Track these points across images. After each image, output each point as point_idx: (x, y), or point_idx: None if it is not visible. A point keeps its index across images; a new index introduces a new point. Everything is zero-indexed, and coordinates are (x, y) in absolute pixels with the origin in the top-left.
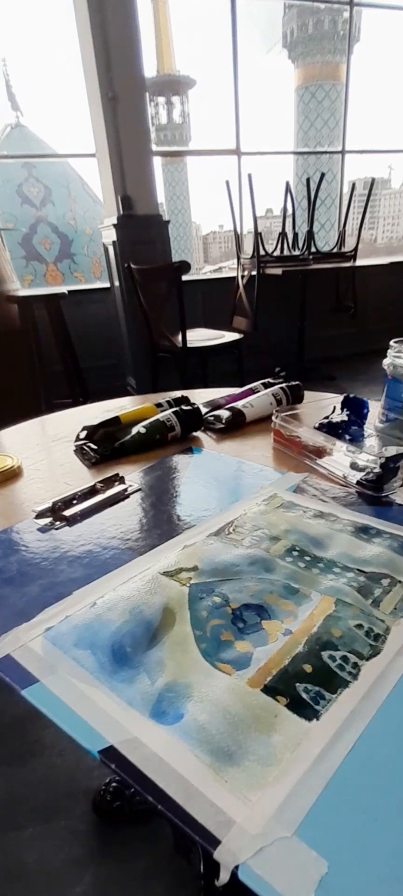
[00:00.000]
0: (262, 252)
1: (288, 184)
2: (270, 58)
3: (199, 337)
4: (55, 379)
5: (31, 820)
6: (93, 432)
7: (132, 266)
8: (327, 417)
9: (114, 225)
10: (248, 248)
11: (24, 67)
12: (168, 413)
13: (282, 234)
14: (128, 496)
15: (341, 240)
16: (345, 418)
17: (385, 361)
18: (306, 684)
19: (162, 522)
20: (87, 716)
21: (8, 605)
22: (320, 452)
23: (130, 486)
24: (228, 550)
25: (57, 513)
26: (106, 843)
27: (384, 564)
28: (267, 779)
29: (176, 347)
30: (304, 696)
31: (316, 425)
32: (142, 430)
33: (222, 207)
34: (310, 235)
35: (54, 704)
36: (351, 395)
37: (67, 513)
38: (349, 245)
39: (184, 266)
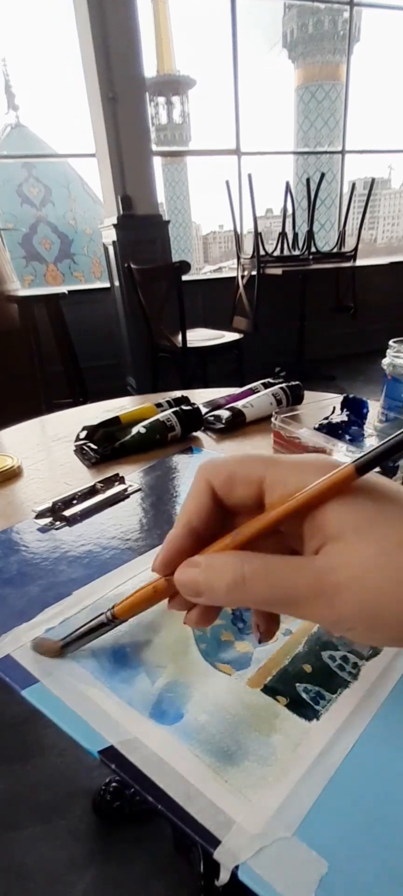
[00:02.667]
0: (262, 252)
1: (288, 184)
2: (270, 58)
3: (199, 337)
4: (55, 379)
5: (31, 820)
6: (93, 432)
7: (132, 266)
8: (327, 418)
9: (114, 225)
10: (248, 248)
11: (24, 67)
12: (168, 413)
13: (282, 234)
14: (128, 496)
15: (341, 240)
16: (345, 419)
17: (385, 361)
18: (306, 684)
19: (162, 522)
20: (87, 716)
21: (8, 605)
22: (320, 453)
23: (130, 486)
24: None
25: (57, 513)
26: (106, 843)
27: None
28: (267, 779)
29: (176, 347)
30: (304, 696)
31: (316, 426)
32: (142, 430)
33: (222, 207)
34: (310, 235)
35: (54, 704)
36: (351, 396)
37: (67, 513)
38: (349, 245)
39: (184, 266)
